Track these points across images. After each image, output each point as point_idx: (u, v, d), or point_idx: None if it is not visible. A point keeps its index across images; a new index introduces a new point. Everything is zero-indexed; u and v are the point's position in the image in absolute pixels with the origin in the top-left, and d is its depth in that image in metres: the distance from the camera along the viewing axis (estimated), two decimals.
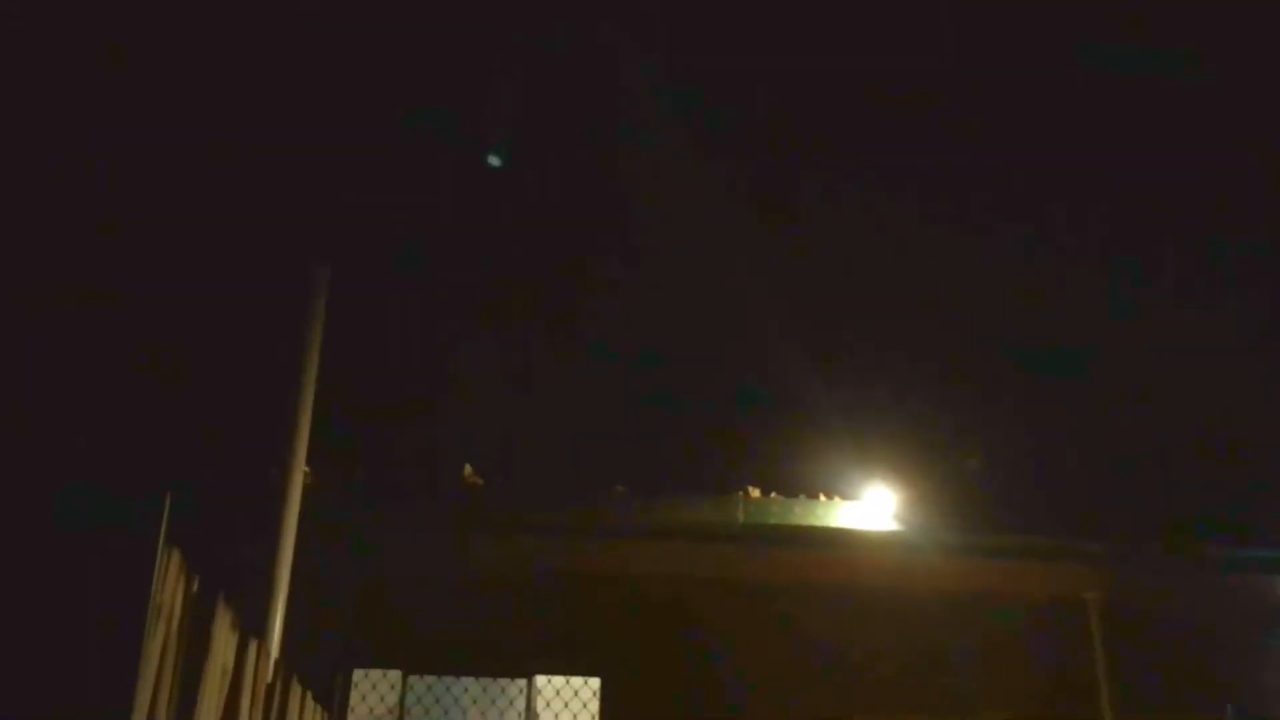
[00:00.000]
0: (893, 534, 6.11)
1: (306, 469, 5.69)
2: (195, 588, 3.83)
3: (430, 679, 6.54)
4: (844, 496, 6.24)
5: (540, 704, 6.57)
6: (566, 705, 6.58)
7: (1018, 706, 6.47)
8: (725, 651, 6.52)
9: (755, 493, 6.24)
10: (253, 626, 4.58)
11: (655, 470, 6.27)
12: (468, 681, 6.59)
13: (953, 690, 6.47)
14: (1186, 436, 6.47)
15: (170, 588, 3.55)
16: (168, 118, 4.97)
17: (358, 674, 6.47)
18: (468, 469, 6.07)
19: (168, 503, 2.90)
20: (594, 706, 6.53)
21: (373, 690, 6.51)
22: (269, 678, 4.79)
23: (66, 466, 2.91)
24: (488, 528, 6.07)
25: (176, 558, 3.64)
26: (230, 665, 4.24)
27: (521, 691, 6.58)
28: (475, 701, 6.55)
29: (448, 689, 6.55)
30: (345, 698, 6.33)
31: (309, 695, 5.36)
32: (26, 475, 2.86)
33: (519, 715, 6.55)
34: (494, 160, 6.08)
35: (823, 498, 6.26)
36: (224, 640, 4.11)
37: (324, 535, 5.88)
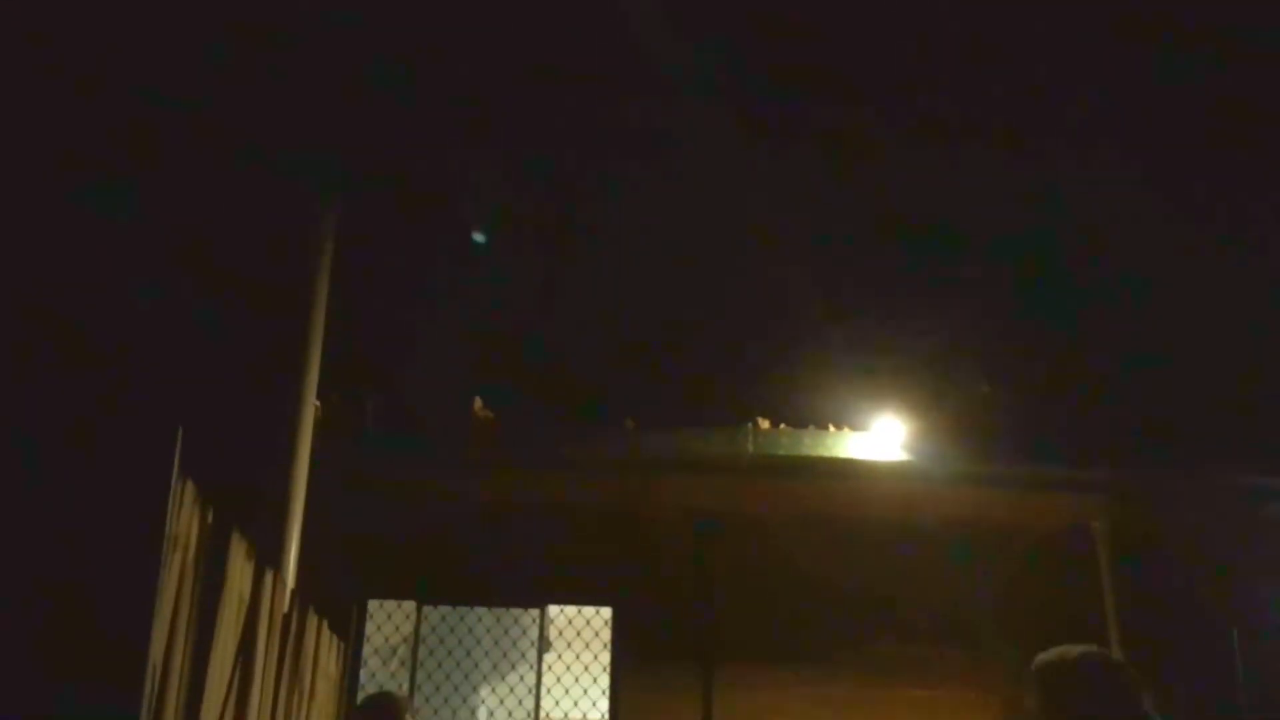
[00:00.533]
0: (902, 464, 6.14)
1: (317, 403, 5.72)
2: (210, 518, 3.87)
3: (444, 609, 6.63)
4: (853, 427, 6.26)
5: (553, 633, 6.67)
6: (579, 634, 6.67)
7: (1025, 634, 6.51)
8: (734, 581, 6.59)
9: (764, 424, 6.26)
10: (268, 559, 4.64)
11: (664, 403, 6.29)
12: (481, 611, 6.68)
13: (960, 619, 6.54)
14: (1196, 365, 6.46)
15: (185, 518, 3.59)
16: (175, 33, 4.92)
17: (373, 604, 6.56)
18: (478, 402, 6.09)
19: (180, 433, 2.92)
20: (606, 635, 6.63)
21: (388, 620, 6.61)
22: (285, 607, 4.86)
23: (77, 399, 2.92)
24: (498, 461, 6.11)
25: (190, 488, 3.67)
26: (247, 595, 4.29)
27: (534, 621, 6.67)
28: (489, 631, 6.65)
29: (461, 619, 6.65)
30: (361, 628, 6.43)
31: (325, 625, 5.44)
32: (37, 409, 2.87)
33: (532, 644, 6.64)
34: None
35: (832, 429, 6.27)
36: (240, 570, 4.16)
37: (336, 469, 5.92)
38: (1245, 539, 6.42)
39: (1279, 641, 6.17)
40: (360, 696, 6.31)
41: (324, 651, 5.48)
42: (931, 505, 6.39)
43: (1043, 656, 3.16)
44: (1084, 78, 6.06)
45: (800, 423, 6.26)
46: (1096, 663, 3.13)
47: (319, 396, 5.78)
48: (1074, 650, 3.13)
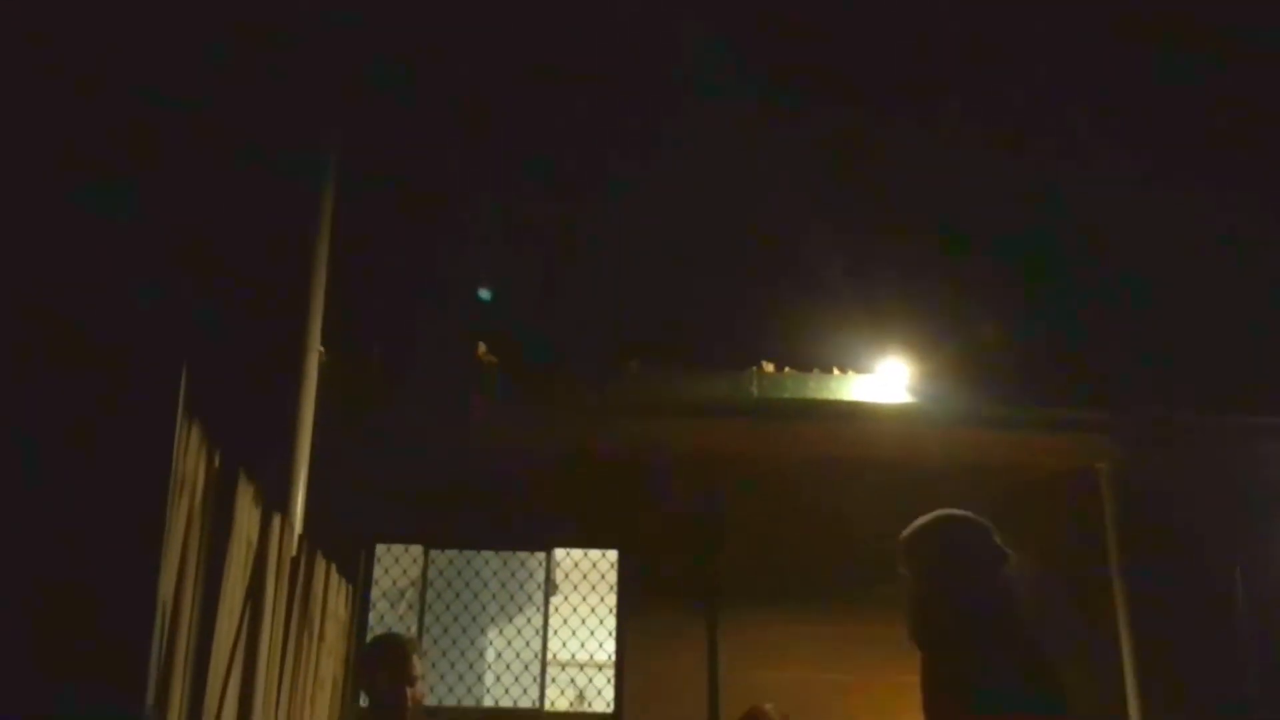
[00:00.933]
0: (906, 406, 6.13)
1: (322, 349, 5.73)
2: (217, 461, 3.88)
3: (451, 553, 6.68)
4: (858, 370, 6.25)
5: (559, 575, 6.72)
6: (585, 576, 6.72)
7: (1031, 576, 6.55)
8: (739, 524, 6.61)
9: (769, 368, 6.25)
10: (275, 503, 4.66)
11: (668, 346, 6.29)
12: (488, 555, 6.73)
13: None
14: (1201, 307, 6.44)
15: (192, 460, 3.59)
16: None
17: (380, 549, 6.60)
18: (481, 347, 6.09)
19: (184, 373, 2.91)
20: (612, 578, 6.68)
21: (395, 564, 6.66)
22: (293, 551, 4.88)
23: (82, 338, 2.91)
24: (502, 406, 6.11)
25: (196, 431, 3.67)
26: (254, 539, 4.31)
27: (540, 564, 6.72)
28: (495, 574, 6.70)
29: (468, 562, 6.70)
30: (369, 571, 6.48)
31: (333, 569, 5.47)
32: (40, 350, 2.86)
33: (539, 586, 6.70)
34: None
35: (836, 372, 6.27)
36: (247, 513, 4.18)
37: (341, 415, 5.94)
38: (1249, 479, 6.43)
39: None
40: (369, 638, 6.38)
41: (333, 595, 5.52)
42: (936, 447, 6.39)
43: (906, 529, 3.26)
44: (1082, 21, 5.99)
45: (805, 366, 6.25)
46: (955, 524, 3.18)
47: (323, 344, 5.78)
48: (932, 515, 3.20)
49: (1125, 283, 6.42)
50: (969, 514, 3.15)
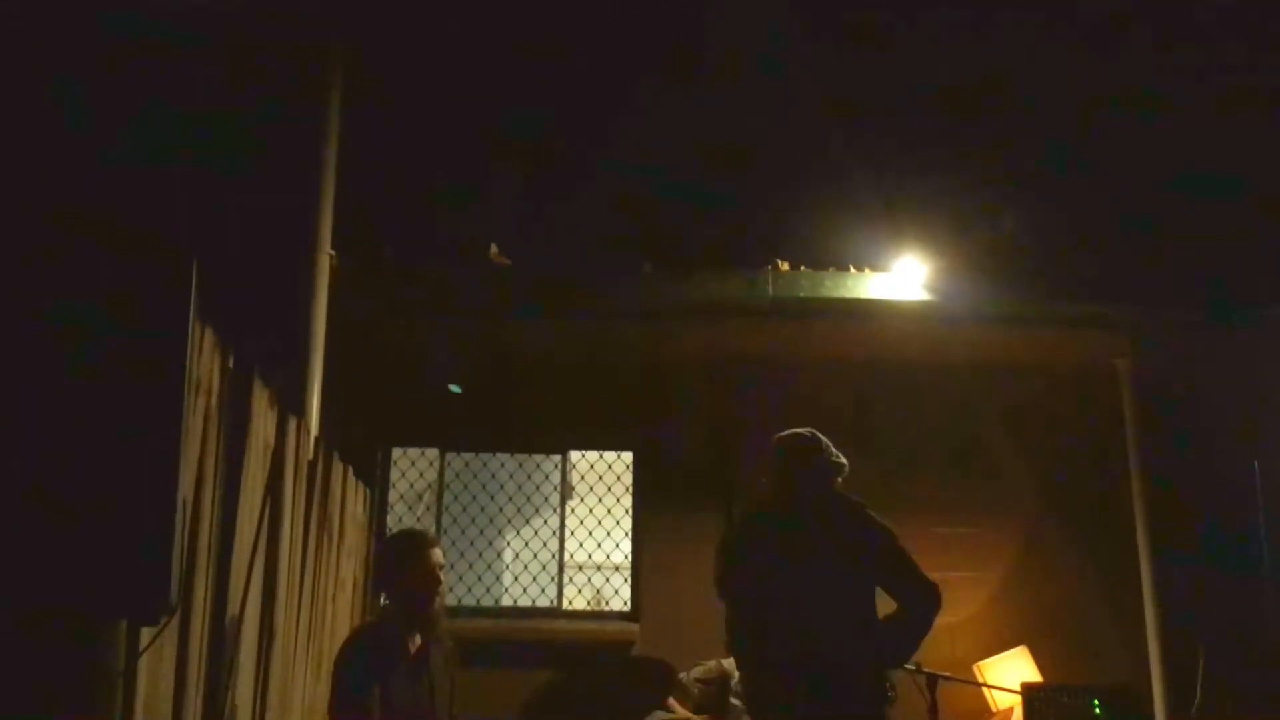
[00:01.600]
0: (924, 304, 6.06)
1: (333, 252, 5.67)
2: (231, 363, 3.85)
3: (467, 456, 6.69)
4: (874, 268, 6.17)
5: (575, 477, 6.73)
6: (600, 478, 6.74)
7: (1048, 472, 6.56)
8: (755, 425, 6.59)
9: (785, 266, 6.17)
10: (290, 406, 4.64)
11: (683, 247, 6.20)
12: (504, 458, 6.74)
13: (982, 457, 6.56)
14: (1223, 200, 6.31)
15: (206, 362, 3.56)
16: None
17: (396, 452, 6.62)
18: (494, 248, 6.02)
19: (194, 270, 2.85)
20: (627, 479, 6.69)
21: (411, 467, 6.68)
22: (310, 455, 4.89)
23: (91, 240, 2.85)
24: (516, 308, 6.07)
25: (210, 334, 3.64)
26: (271, 440, 4.31)
27: (556, 466, 6.73)
28: (512, 476, 6.72)
29: (484, 465, 6.71)
30: (386, 474, 6.50)
31: (350, 472, 5.49)
32: (49, 252, 2.81)
33: (555, 488, 6.72)
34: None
35: (853, 270, 6.19)
36: (263, 416, 4.17)
37: (354, 319, 5.90)
38: (1268, 374, 6.38)
39: None
40: (388, 535, 6.43)
41: (350, 496, 5.54)
42: (953, 344, 6.34)
43: None
44: None
45: (821, 264, 6.17)
46: (788, 439, 4.24)
47: (334, 247, 5.72)
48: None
49: (1147, 176, 6.29)
50: (802, 431, 4.35)
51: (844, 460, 4.13)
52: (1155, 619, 6.23)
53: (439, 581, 4.05)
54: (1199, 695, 5.78)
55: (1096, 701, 5.37)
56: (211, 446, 3.58)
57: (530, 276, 6.03)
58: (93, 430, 2.61)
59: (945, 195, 6.32)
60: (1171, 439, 6.41)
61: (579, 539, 6.61)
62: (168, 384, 2.68)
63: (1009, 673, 5.83)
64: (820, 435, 4.13)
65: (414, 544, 4.11)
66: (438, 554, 4.09)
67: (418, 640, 4.05)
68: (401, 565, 4.03)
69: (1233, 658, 5.89)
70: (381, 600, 6.21)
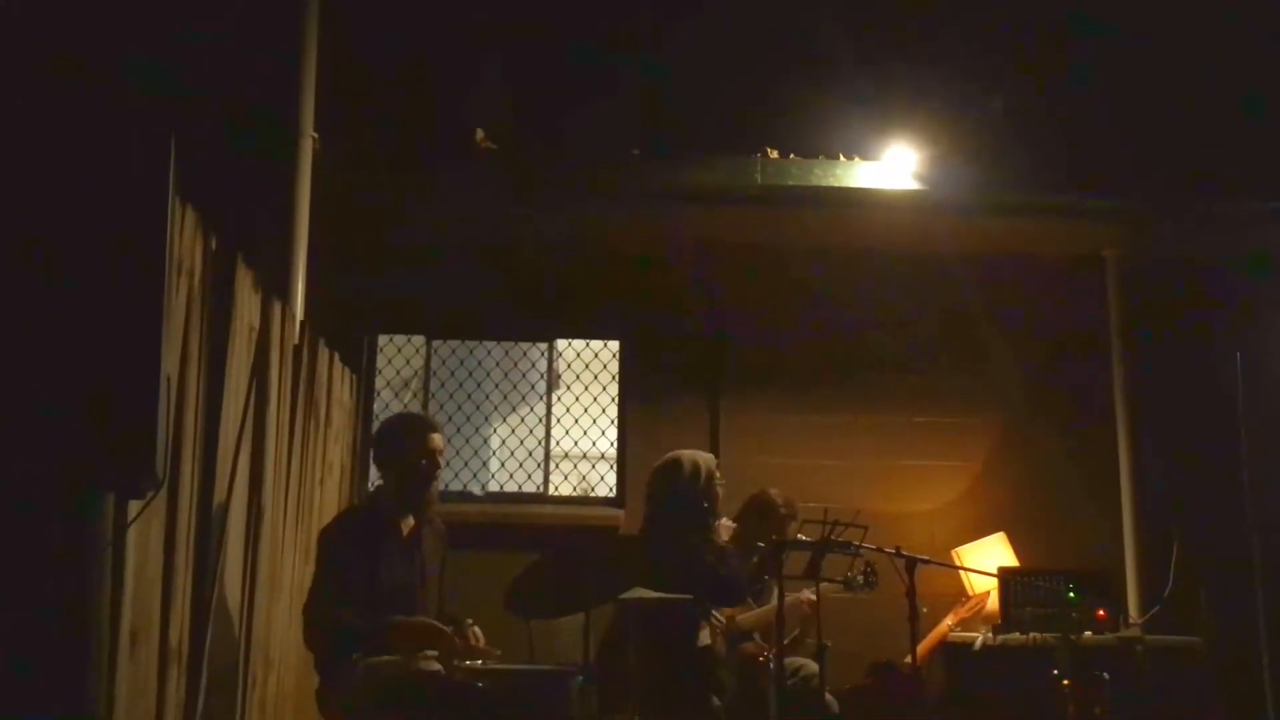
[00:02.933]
0: (913, 193, 6.02)
1: (315, 135, 5.58)
2: (214, 244, 3.82)
3: (454, 343, 6.69)
4: (864, 157, 6.11)
5: (561, 366, 6.75)
6: (587, 367, 6.76)
7: (1030, 364, 6.60)
8: (742, 313, 6.61)
9: (773, 154, 6.10)
10: (275, 291, 4.62)
11: (669, 132, 6.11)
12: (490, 346, 6.74)
13: (967, 348, 6.59)
14: (1214, 90, 6.23)
15: (188, 241, 3.53)
16: None
17: (382, 339, 6.61)
18: (480, 133, 5.93)
19: (173, 149, 2.81)
20: (614, 368, 6.71)
21: (398, 354, 6.68)
22: (296, 340, 4.88)
23: (66, 117, 2.80)
24: (501, 194, 6.00)
25: (191, 214, 3.60)
26: (256, 324, 4.30)
27: (543, 354, 6.74)
28: (498, 364, 6.73)
29: (471, 352, 6.72)
30: (372, 361, 6.50)
31: (336, 357, 5.48)
32: (23, 130, 2.76)
33: (541, 376, 6.74)
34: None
35: (842, 158, 6.12)
36: (247, 298, 4.15)
37: (338, 203, 5.84)
38: (1259, 266, 6.39)
39: None
40: (386, 417, 6.46)
41: (337, 382, 5.56)
42: (942, 235, 6.31)
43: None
44: None
45: (810, 152, 6.10)
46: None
47: (316, 129, 5.63)
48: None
49: (1139, 64, 6.19)
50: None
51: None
52: (1131, 507, 6.34)
53: (438, 466, 4.11)
54: (1171, 581, 5.91)
55: (1071, 586, 5.49)
56: (195, 327, 3.57)
57: (516, 162, 5.95)
58: (76, 308, 2.60)
59: (937, 82, 6.23)
60: (1156, 330, 6.44)
61: (565, 427, 6.66)
62: (148, 260, 2.66)
63: (987, 558, 5.94)
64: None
65: (416, 426, 4.15)
66: (438, 439, 4.14)
67: (410, 522, 4.10)
68: (402, 447, 4.07)
69: (1206, 546, 6.02)
70: (369, 485, 6.27)
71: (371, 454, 4.26)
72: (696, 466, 4.73)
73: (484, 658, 3.82)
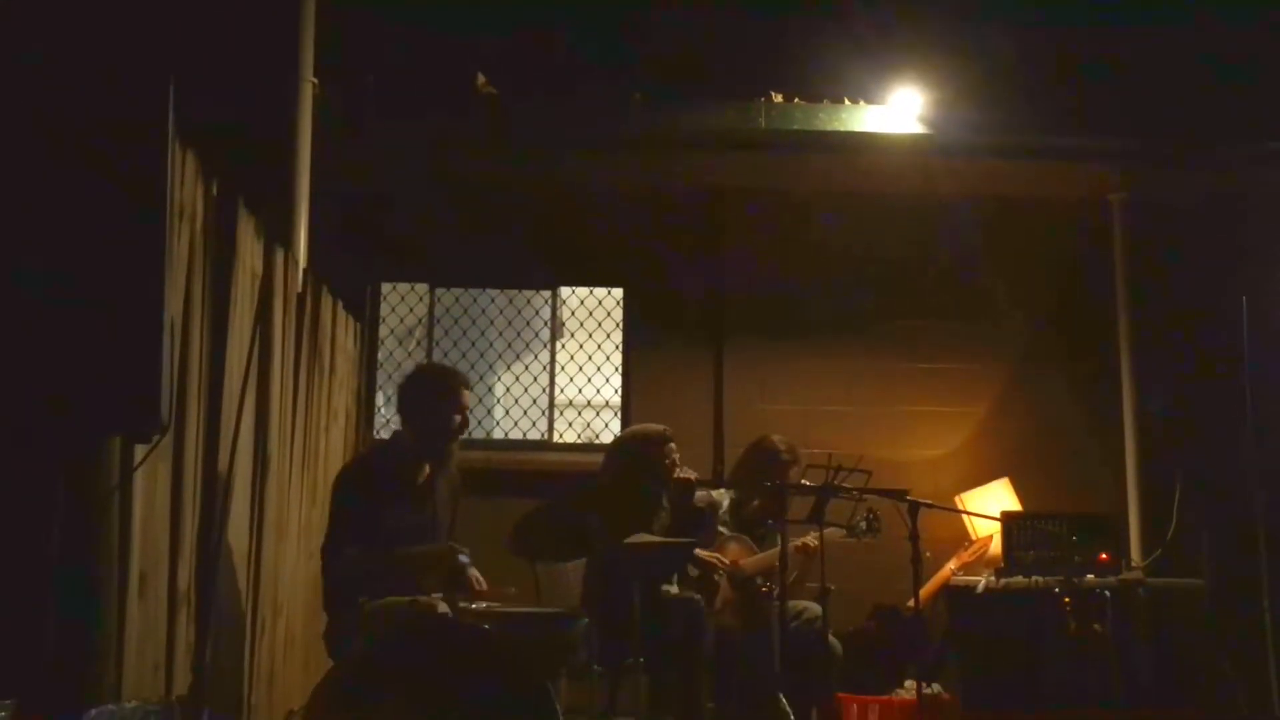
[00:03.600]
0: (918, 137, 5.96)
1: (314, 80, 5.53)
2: (215, 190, 3.80)
3: (457, 291, 6.68)
4: (869, 100, 6.05)
5: (565, 313, 6.74)
6: (591, 314, 6.75)
7: (1036, 307, 6.59)
8: (746, 258, 6.59)
9: (778, 98, 6.04)
10: (277, 238, 4.60)
11: (673, 76, 6.05)
12: (494, 294, 6.73)
13: (972, 294, 6.58)
14: (1221, 30, 6.14)
15: (189, 186, 3.52)
16: None
17: (385, 287, 6.60)
18: (481, 78, 5.87)
19: (172, 93, 2.78)
20: (618, 315, 6.71)
21: (401, 302, 6.67)
22: (299, 287, 4.87)
23: (63, 62, 2.78)
24: (503, 140, 5.96)
25: (192, 159, 3.58)
26: (259, 271, 4.29)
27: (546, 302, 6.74)
28: (502, 312, 6.73)
29: (474, 301, 6.71)
30: (375, 309, 6.50)
31: (339, 305, 5.48)
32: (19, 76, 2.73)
33: (545, 324, 6.74)
34: None
35: (847, 102, 6.06)
36: (249, 244, 4.14)
37: (338, 151, 5.80)
38: (1265, 209, 6.35)
39: None
40: (379, 376, 6.48)
41: (341, 330, 5.56)
42: (947, 179, 6.27)
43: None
44: None
45: (815, 96, 6.04)
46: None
47: (315, 75, 5.58)
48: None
49: (1145, 4, 6.11)
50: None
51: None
52: (1134, 451, 6.35)
53: (467, 423, 4.14)
54: (1173, 524, 5.93)
55: (1074, 530, 5.51)
56: (198, 273, 3.56)
57: (518, 107, 5.90)
58: (78, 253, 2.59)
59: (943, 24, 6.14)
60: (1161, 275, 6.42)
61: (569, 374, 6.66)
62: (149, 204, 2.65)
63: (990, 503, 5.96)
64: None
65: (451, 382, 4.17)
66: (470, 396, 4.17)
67: (426, 470, 4.13)
68: (435, 400, 4.08)
69: (1209, 489, 6.03)
70: (375, 433, 6.30)
71: (396, 400, 4.27)
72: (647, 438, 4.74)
73: (498, 599, 3.85)
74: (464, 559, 3.88)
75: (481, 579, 4.06)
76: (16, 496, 2.57)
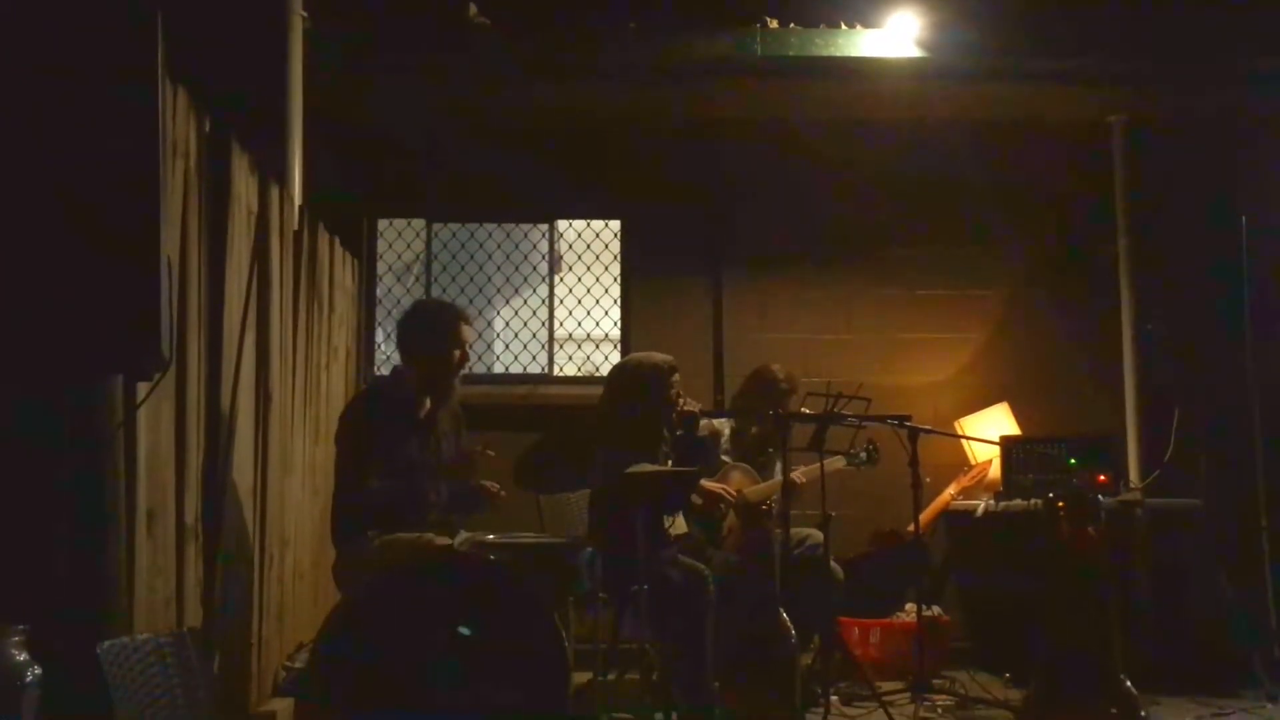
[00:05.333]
0: (917, 61, 5.89)
1: (304, 14, 5.46)
2: (208, 126, 3.78)
3: (454, 226, 6.66)
4: (866, 24, 5.97)
5: (563, 246, 6.73)
6: (589, 247, 6.74)
7: (1034, 234, 6.58)
8: (744, 187, 6.55)
9: (773, 23, 5.96)
10: (272, 175, 4.58)
11: (668, 4, 5.97)
12: (491, 228, 6.71)
13: (972, 219, 6.55)
14: None
15: (181, 123, 3.49)
16: None
17: (382, 223, 6.58)
18: (472, 9, 5.79)
19: (160, 29, 2.75)
20: (615, 247, 6.69)
21: (398, 238, 6.66)
22: (295, 224, 4.86)
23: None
24: (496, 71, 5.90)
25: (184, 96, 3.55)
26: (255, 208, 4.28)
27: (544, 235, 6.72)
28: (499, 246, 6.71)
29: (472, 235, 6.69)
30: (372, 245, 6.48)
31: (336, 241, 5.47)
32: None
33: (542, 257, 6.72)
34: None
35: (844, 26, 5.98)
36: (245, 181, 4.12)
37: (332, 85, 5.74)
38: (1266, 129, 6.31)
39: None
40: (379, 313, 6.48)
41: (339, 266, 5.55)
42: (946, 103, 6.22)
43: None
44: None
45: (811, 20, 5.95)
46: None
47: (305, 8, 5.51)
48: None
49: None
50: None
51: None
52: (1133, 374, 6.37)
53: (467, 358, 4.16)
54: (1171, 446, 5.96)
55: (1072, 452, 5.56)
56: (194, 211, 3.55)
57: (510, 37, 5.83)
58: (72, 191, 2.58)
59: None
60: (1160, 197, 6.39)
61: (568, 308, 6.66)
62: (142, 140, 2.63)
63: (990, 428, 6.00)
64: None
65: (450, 318, 4.18)
66: (470, 331, 4.18)
67: (428, 404, 4.16)
68: (434, 337, 4.10)
69: (1207, 411, 6.05)
70: (375, 369, 6.32)
71: (396, 336, 4.28)
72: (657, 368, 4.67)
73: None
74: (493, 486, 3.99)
75: (493, 485, 4.16)
76: (22, 435, 2.59)
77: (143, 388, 2.76)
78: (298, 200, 5.02)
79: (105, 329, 2.47)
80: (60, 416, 2.62)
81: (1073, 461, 5.52)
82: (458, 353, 4.12)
